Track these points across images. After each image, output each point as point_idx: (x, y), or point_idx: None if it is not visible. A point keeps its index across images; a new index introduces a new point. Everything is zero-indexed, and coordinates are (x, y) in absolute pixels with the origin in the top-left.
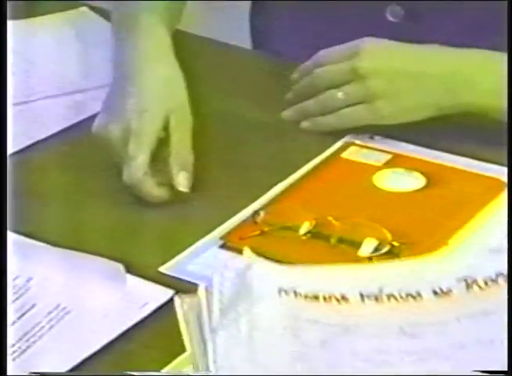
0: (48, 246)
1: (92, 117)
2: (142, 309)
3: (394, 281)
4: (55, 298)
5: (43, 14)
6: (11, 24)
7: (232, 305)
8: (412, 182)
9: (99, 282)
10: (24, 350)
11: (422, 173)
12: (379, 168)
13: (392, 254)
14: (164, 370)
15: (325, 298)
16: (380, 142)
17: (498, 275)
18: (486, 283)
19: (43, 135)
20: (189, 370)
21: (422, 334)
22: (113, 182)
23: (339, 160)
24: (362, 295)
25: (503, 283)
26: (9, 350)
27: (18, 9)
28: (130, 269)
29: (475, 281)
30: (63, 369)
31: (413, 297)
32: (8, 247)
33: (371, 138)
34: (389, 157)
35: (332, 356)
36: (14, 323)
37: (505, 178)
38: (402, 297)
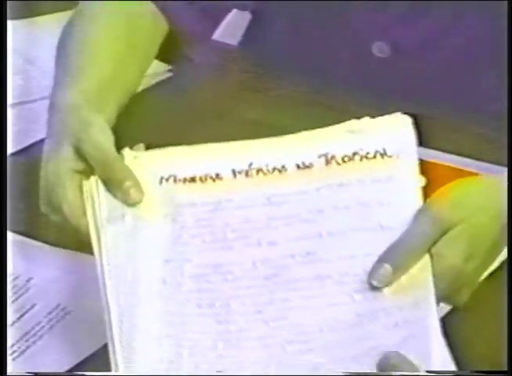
0: (48, 246)
1: None
2: None
3: (263, 156)
4: (55, 298)
5: (43, 14)
6: (11, 24)
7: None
8: None
9: (99, 282)
10: (24, 350)
11: (422, 173)
12: None
13: None
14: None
15: (201, 179)
16: None
17: (354, 153)
18: (343, 160)
19: (43, 135)
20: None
21: (286, 202)
22: None
23: None
24: (234, 171)
25: (358, 161)
26: (9, 350)
27: (18, 9)
28: None
29: (334, 157)
30: (63, 369)
31: (279, 170)
32: (8, 247)
33: None
34: None
35: (206, 231)
36: (14, 323)
37: None
38: (268, 170)
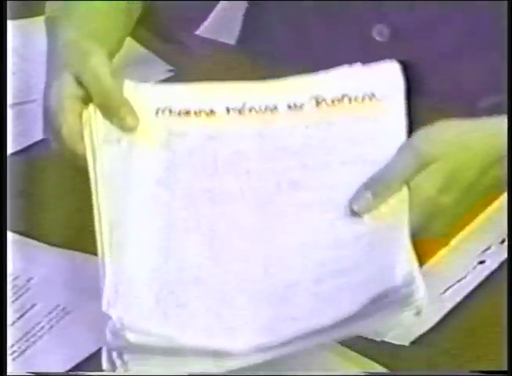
0: (48, 246)
1: None
2: None
3: (256, 97)
4: (55, 298)
5: (43, 14)
6: (11, 24)
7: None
8: None
9: (99, 282)
10: (24, 350)
11: None
12: None
13: None
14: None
15: (195, 113)
16: None
17: (343, 95)
18: (333, 102)
19: (43, 135)
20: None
21: (275, 137)
22: None
23: None
24: (227, 109)
25: (347, 103)
26: (9, 350)
27: (18, 9)
28: None
29: (324, 99)
30: (63, 369)
31: (271, 110)
32: (8, 247)
33: None
34: None
35: (197, 159)
36: (14, 323)
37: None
38: (261, 109)
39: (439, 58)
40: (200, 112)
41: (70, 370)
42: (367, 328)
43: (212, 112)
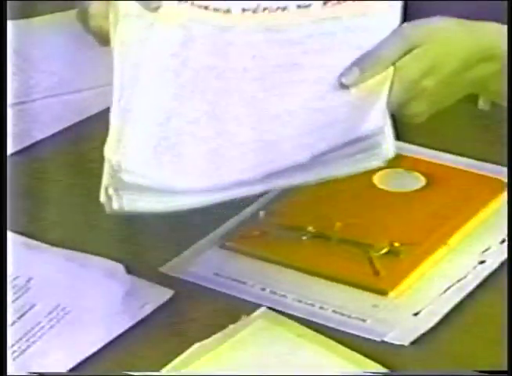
0: (48, 246)
1: (92, 118)
2: (142, 309)
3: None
4: (55, 298)
5: (43, 14)
6: (11, 24)
7: None
8: (412, 182)
9: (99, 282)
10: (24, 350)
11: (422, 173)
12: (379, 168)
13: (392, 254)
14: (164, 370)
15: (214, 9)
16: None
17: None
18: (339, 1)
19: (43, 135)
20: (189, 370)
21: (282, 30)
22: None
23: None
24: (243, 9)
25: (352, 1)
26: (9, 350)
27: (18, 9)
28: (130, 269)
29: None
30: (63, 369)
31: (282, 9)
32: (8, 247)
33: None
34: None
35: (210, 42)
36: (14, 323)
37: (505, 179)
38: (272, 9)
39: None
40: (218, 9)
41: (70, 370)
42: (339, 170)
43: (228, 10)
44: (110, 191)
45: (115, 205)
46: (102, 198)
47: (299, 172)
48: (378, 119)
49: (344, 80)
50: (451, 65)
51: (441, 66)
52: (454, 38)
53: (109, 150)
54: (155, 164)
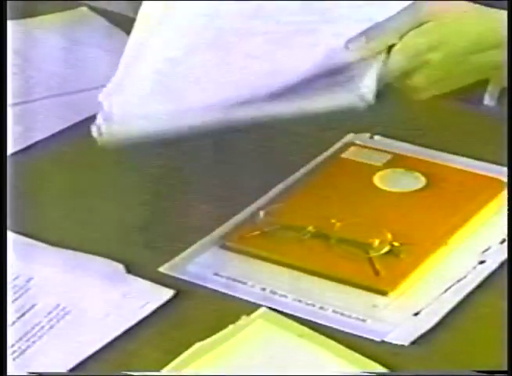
0: (48, 246)
1: (92, 118)
2: (142, 309)
3: None
4: (55, 298)
5: (43, 14)
6: (11, 24)
7: None
8: (412, 182)
9: (99, 282)
10: (24, 350)
11: (422, 173)
12: (379, 168)
13: (392, 254)
14: (164, 370)
15: None
16: (380, 143)
17: None
18: None
19: (43, 135)
20: (189, 370)
21: (310, 2)
22: (113, 181)
23: (339, 160)
24: None
25: None
26: (9, 350)
27: (18, 9)
28: (130, 269)
29: None
30: (63, 369)
31: None
32: (8, 247)
33: (371, 138)
34: (389, 157)
35: (237, 12)
36: (14, 323)
37: (505, 178)
38: None
39: None
40: None
41: (70, 370)
42: (315, 103)
43: None
44: (103, 128)
45: (106, 134)
46: (95, 133)
47: (276, 101)
48: (360, 52)
49: (350, 45)
50: (460, 44)
51: (449, 43)
52: (467, 19)
53: (103, 96)
54: (150, 101)
